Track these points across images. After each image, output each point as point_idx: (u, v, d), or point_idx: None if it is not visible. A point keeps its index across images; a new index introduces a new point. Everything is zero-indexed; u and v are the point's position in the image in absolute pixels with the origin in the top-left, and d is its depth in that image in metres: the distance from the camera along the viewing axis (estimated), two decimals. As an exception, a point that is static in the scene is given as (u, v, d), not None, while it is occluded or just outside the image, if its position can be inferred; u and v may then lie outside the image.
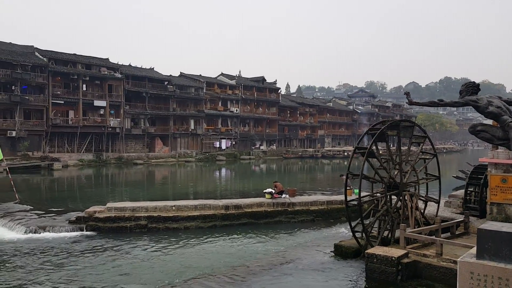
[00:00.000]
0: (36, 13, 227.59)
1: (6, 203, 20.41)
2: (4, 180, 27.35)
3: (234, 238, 15.33)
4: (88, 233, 15.42)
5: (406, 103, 12.82)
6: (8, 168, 26.37)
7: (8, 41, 51.51)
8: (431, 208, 14.26)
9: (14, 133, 42.29)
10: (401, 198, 12.46)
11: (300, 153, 69.47)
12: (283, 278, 10.72)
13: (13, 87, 43.50)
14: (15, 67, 43.23)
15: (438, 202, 13.62)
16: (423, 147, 13.78)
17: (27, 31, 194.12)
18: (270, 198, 18.67)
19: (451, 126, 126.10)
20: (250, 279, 10.56)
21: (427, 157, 13.94)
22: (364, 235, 12.07)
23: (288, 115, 77.36)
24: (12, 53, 45.36)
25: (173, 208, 17.04)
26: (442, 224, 11.53)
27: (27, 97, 43.61)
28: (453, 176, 28.72)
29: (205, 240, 14.88)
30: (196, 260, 12.55)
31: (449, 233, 12.08)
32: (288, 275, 10.91)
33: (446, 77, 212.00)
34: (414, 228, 11.81)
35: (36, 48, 49.17)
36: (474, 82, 12.66)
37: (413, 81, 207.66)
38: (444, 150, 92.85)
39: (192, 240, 14.86)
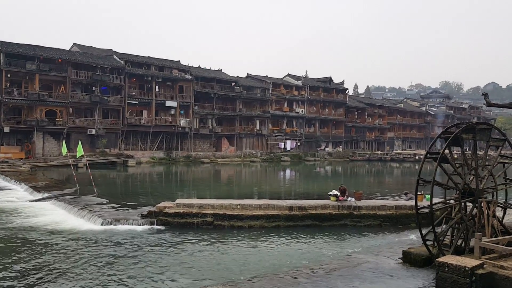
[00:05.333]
0: (113, 17, 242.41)
1: (86, 196, 21.99)
2: (84, 175, 29.43)
3: (298, 239, 15.29)
4: (158, 227, 16.18)
5: (484, 104, 12.06)
6: (88, 163, 28.39)
7: (89, 45, 55.53)
8: (511, 217, 13.25)
9: (93, 131, 45.40)
10: (476, 205, 11.72)
11: (367, 156, 67.58)
12: (348, 283, 10.51)
13: (93, 88, 46.72)
14: (96, 69, 46.39)
15: (519, 211, 12.65)
16: (503, 151, 12.86)
17: (106, 34, 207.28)
18: (335, 201, 18.39)
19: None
20: (314, 282, 10.48)
21: (507, 161, 12.99)
22: (435, 243, 11.51)
23: (356, 116, 75.64)
24: (93, 56, 48.78)
25: (238, 206, 17.37)
26: (523, 235, 10.68)
27: (105, 98, 46.62)
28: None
29: (269, 240, 14.99)
30: (259, 259, 12.69)
31: (531, 245, 11.16)
32: (353, 280, 10.67)
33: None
34: (491, 237, 11.06)
35: (114, 51, 52.44)
36: None
37: (493, 82, 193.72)
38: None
39: (256, 239, 15.04)
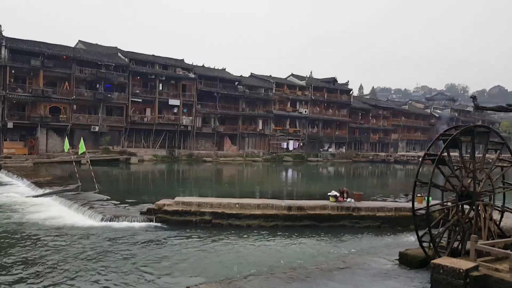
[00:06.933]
0: (119, 15, 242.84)
1: (87, 192, 22.12)
2: (87, 172, 29.49)
3: (295, 239, 15.29)
4: (157, 224, 16.25)
5: (473, 107, 12.13)
6: (90, 160, 28.50)
7: (94, 43, 55.76)
8: (509, 220, 13.22)
9: (97, 128, 45.59)
10: (474, 207, 11.70)
11: (371, 157, 67.32)
12: (343, 283, 10.52)
13: (97, 86, 46.92)
14: (100, 67, 46.58)
15: (516, 214, 12.61)
16: (502, 155, 12.84)
17: (111, 32, 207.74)
18: (334, 202, 18.38)
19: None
20: (309, 281, 10.49)
21: (505, 165, 12.96)
22: (431, 245, 11.50)
23: (360, 117, 75.51)
24: (97, 54, 48.97)
25: (237, 205, 17.39)
26: (519, 238, 10.65)
27: (109, 95, 46.78)
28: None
29: (266, 239, 15.01)
30: (255, 258, 12.72)
31: (528, 248, 11.12)
32: (348, 281, 10.68)
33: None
34: (487, 240, 11.04)
35: (119, 49, 52.57)
36: None
37: (499, 85, 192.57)
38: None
39: (254, 238, 15.06)
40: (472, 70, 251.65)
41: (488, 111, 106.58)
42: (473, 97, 11.67)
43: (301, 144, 65.12)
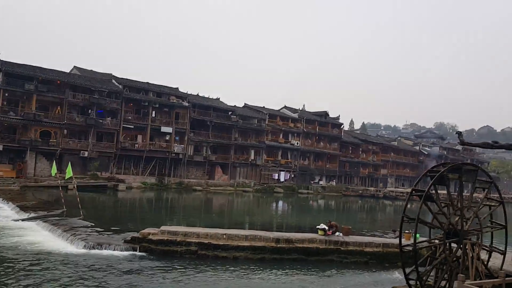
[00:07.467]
0: (115, 42, 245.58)
1: (71, 218, 21.70)
2: (73, 197, 29.02)
3: (283, 273, 15.01)
4: (141, 253, 15.88)
5: (458, 143, 12.22)
6: (77, 186, 28.12)
7: (90, 69, 56.09)
8: (497, 260, 13.11)
9: (86, 154, 45.19)
10: (461, 246, 11.61)
11: (360, 192, 67.30)
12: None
13: (89, 111, 46.87)
14: (93, 92, 46.67)
15: (504, 254, 12.52)
16: (491, 194, 12.86)
17: (107, 59, 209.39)
18: (323, 235, 18.18)
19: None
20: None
21: (492, 204, 12.97)
22: (418, 283, 11.34)
23: (350, 151, 76.00)
24: (91, 80, 49.18)
25: (224, 236, 17.11)
26: (506, 278, 10.53)
27: (101, 121, 46.70)
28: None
29: (253, 273, 14.70)
30: (240, 292, 12.43)
31: (515, 290, 10.98)
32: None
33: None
34: (475, 280, 10.90)
35: (114, 76, 52.91)
36: None
37: (487, 125, 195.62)
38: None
39: (240, 271, 14.73)
40: (461, 110, 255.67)
41: (476, 150, 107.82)
42: (459, 133, 11.81)
43: (292, 175, 65.05)
